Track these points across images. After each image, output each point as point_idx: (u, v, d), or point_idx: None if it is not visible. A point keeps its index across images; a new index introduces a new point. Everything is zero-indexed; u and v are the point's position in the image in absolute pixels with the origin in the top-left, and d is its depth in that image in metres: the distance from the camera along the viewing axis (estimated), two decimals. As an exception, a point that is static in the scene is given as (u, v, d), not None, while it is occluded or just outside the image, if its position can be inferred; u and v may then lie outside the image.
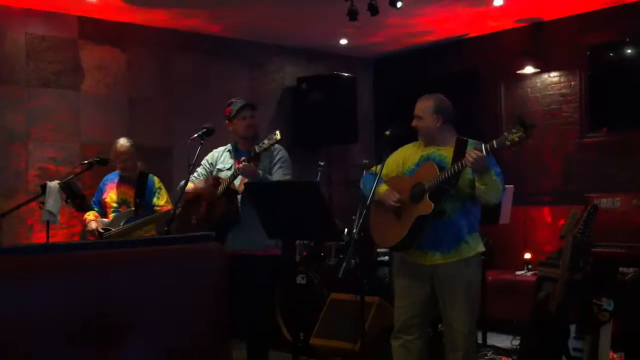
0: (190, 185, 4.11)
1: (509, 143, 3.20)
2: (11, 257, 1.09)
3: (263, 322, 4.11)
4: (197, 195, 4.12)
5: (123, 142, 5.01)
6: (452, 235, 3.57)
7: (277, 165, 4.06)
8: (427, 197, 3.47)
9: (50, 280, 1.09)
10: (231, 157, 4.21)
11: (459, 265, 3.57)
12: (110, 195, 4.99)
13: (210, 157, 4.31)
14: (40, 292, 1.07)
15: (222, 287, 1.29)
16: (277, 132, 3.82)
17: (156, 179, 5.08)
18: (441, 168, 3.48)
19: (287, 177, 4.08)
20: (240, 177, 3.98)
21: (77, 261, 1.14)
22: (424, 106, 3.68)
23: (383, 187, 3.66)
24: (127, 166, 4.98)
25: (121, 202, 4.96)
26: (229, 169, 4.16)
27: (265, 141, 3.84)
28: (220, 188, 3.99)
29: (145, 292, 1.18)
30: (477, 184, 3.39)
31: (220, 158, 4.26)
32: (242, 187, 3.96)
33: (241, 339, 4.12)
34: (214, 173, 4.21)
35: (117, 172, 5.08)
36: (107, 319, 1.11)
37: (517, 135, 3.18)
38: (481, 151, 3.28)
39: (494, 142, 3.28)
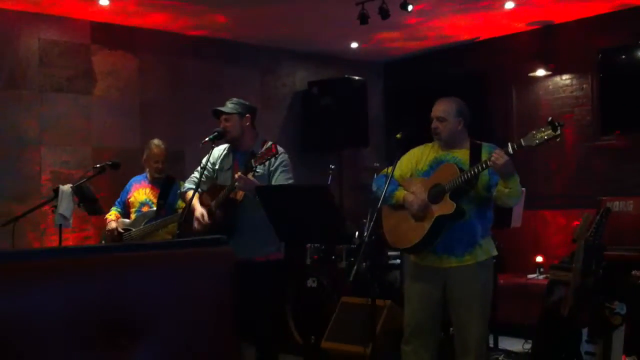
0: (190, 194, 4.08)
1: (537, 141, 3.19)
2: (24, 261, 1.09)
3: (268, 328, 4.10)
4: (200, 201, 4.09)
5: (158, 142, 5.05)
6: (468, 238, 3.55)
7: (279, 170, 4.00)
8: (448, 198, 3.46)
9: (62, 284, 1.09)
10: (229, 158, 4.19)
11: (473, 269, 3.55)
12: (135, 196, 5.01)
13: (211, 156, 4.18)
14: (52, 296, 1.07)
15: (232, 290, 1.29)
16: (273, 145, 3.75)
17: (182, 184, 5.09)
18: (460, 170, 3.48)
19: (290, 181, 4.01)
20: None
21: (88, 265, 1.14)
22: (447, 108, 3.66)
23: (402, 192, 3.65)
24: (161, 168, 5.01)
25: (145, 202, 4.97)
26: (229, 169, 4.14)
27: (262, 155, 3.78)
28: (219, 197, 3.96)
29: (156, 295, 1.18)
30: (500, 187, 3.37)
31: (221, 157, 4.19)
32: (241, 196, 3.94)
33: (249, 343, 4.12)
34: (216, 174, 4.17)
35: (144, 174, 5.10)
36: (118, 322, 1.12)
37: (546, 133, 3.17)
38: (507, 151, 3.26)
39: (522, 140, 3.25)
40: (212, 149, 4.09)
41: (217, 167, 4.16)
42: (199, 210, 4.00)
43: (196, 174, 4.21)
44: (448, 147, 3.68)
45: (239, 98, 4.25)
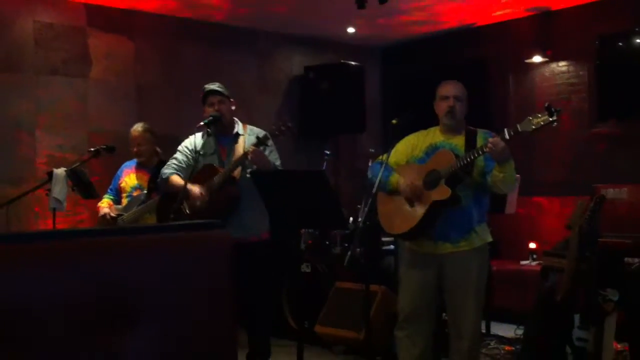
0: (176, 180, 4.08)
1: (534, 127, 3.18)
2: (18, 244, 1.09)
3: (263, 311, 4.13)
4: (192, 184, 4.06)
5: (136, 126, 5.01)
6: (463, 224, 3.56)
7: (268, 150, 4.04)
8: (444, 183, 3.47)
9: (57, 268, 1.09)
10: (215, 142, 4.18)
11: (468, 255, 3.56)
12: (126, 181, 4.99)
13: (189, 143, 4.22)
14: (47, 280, 1.07)
15: (227, 273, 1.30)
16: (287, 120, 3.91)
17: None
18: (456, 156, 3.48)
19: (278, 162, 4.09)
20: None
21: (83, 248, 1.14)
22: (461, 89, 3.66)
23: (396, 177, 3.64)
24: (141, 151, 4.96)
25: (136, 186, 4.95)
26: (213, 153, 4.15)
27: (282, 128, 3.87)
28: (220, 176, 3.97)
29: (151, 278, 1.18)
30: (495, 171, 3.37)
31: (201, 143, 4.16)
32: (239, 174, 3.97)
33: (241, 325, 4.14)
34: (198, 160, 4.11)
35: (134, 159, 5.08)
36: (114, 305, 1.12)
37: (542, 119, 3.17)
38: (503, 137, 3.26)
39: (518, 126, 3.25)
40: (207, 134, 4.06)
41: (201, 152, 4.10)
42: (196, 189, 3.99)
43: (174, 161, 4.20)
44: (452, 131, 3.66)
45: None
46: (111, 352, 1.11)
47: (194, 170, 4.02)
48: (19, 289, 1.04)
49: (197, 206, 3.95)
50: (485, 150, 3.31)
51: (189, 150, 4.18)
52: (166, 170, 4.20)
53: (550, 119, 3.15)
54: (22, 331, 1.03)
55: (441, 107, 3.65)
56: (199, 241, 1.29)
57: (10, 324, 1.02)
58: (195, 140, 4.19)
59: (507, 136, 3.27)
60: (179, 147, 4.26)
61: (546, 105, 3.20)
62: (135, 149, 4.96)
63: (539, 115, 3.19)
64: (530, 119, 3.21)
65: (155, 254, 1.22)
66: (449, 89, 3.65)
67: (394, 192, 3.66)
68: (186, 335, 1.21)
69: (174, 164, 4.19)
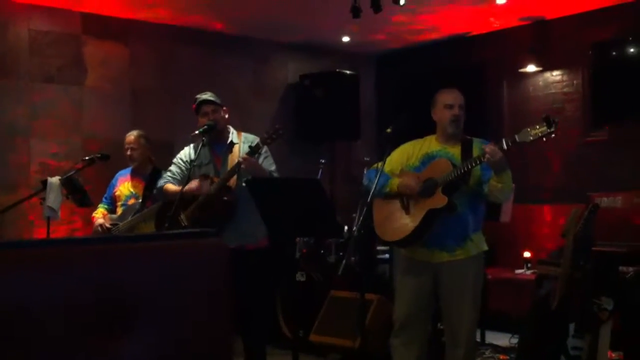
0: (172, 187, 4.09)
1: (532, 138, 3.19)
2: (14, 250, 1.09)
3: (261, 316, 4.12)
4: (187, 194, 4.04)
5: (132, 132, 5.03)
6: (459, 232, 3.56)
7: (263, 156, 4.05)
8: (440, 192, 3.47)
9: (56, 272, 1.10)
10: (209, 152, 4.17)
11: (465, 263, 3.57)
12: (121, 189, 4.98)
13: (183, 155, 4.24)
14: (46, 284, 1.08)
15: (224, 281, 1.30)
16: (278, 126, 3.89)
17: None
18: (453, 165, 3.49)
19: (274, 168, 4.08)
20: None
21: (79, 256, 1.15)
22: (463, 98, 3.66)
23: (397, 180, 3.64)
24: (134, 155, 4.95)
25: (130, 195, 4.95)
26: (208, 163, 4.15)
27: (273, 136, 3.85)
28: (215, 186, 3.96)
29: (149, 283, 1.19)
30: (493, 181, 3.38)
31: (196, 154, 4.12)
32: (234, 183, 3.97)
33: (237, 333, 4.13)
34: (194, 171, 4.09)
35: (129, 167, 5.07)
36: (110, 312, 1.13)
37: (541, 130, 3.18)
38: (501, 147, 3.27)
39: (516, 136, 3.26)
40: (202, 143, 4.05)
41: (195, 163, 4.08)
42: (194, 184, 3.98)
43: (169, 173, 4.21)
44: (449, 140, 3.66)
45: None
46: (108, 355, 1.12)
47: (189, 180, 4.01)
48: (19, 292, 1.05)
49: (197, 205, 3.96)
50: (483, 159, 3.32)
51: (183, 162, 4.19)
52: (161, 181, 4.24)
53: (549, 130, 3.16)
54: (21, 333, 1.04)
55: (444, 115, 3.64)
56: (194, 248, 1.30)
57: (10, 326, 1.03)
58: (189, 152, 4.19)
59: (504, 146, 3.27)
60: (174, 160, 4.27)
61: (544, 116, 3.20)
62: (128, 152, 4.96)
63: (537, 126, 3.19)
64: (528, 130, 3.22)
65: (151, 259, 1.23)
66: (454, 98, 3.65)
67: (390, 195, 3.65)
68: (182, 339, 1.22)
69: (169, 175, 4.21)
